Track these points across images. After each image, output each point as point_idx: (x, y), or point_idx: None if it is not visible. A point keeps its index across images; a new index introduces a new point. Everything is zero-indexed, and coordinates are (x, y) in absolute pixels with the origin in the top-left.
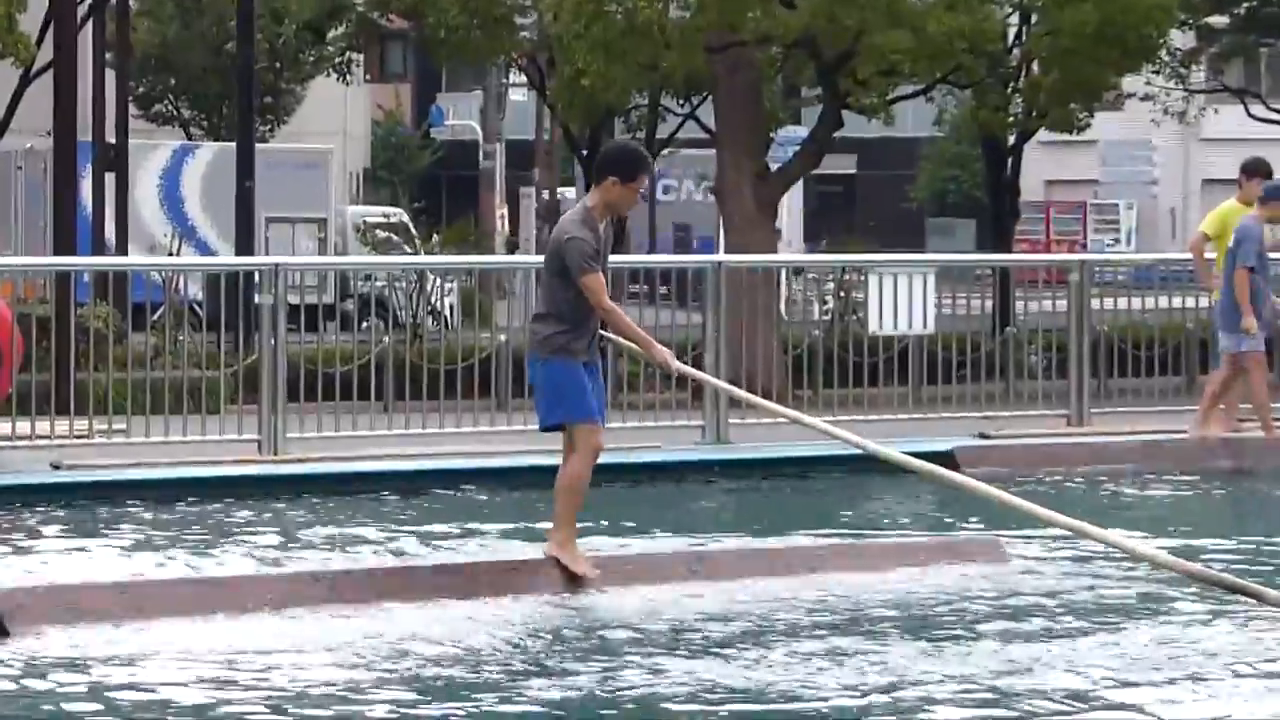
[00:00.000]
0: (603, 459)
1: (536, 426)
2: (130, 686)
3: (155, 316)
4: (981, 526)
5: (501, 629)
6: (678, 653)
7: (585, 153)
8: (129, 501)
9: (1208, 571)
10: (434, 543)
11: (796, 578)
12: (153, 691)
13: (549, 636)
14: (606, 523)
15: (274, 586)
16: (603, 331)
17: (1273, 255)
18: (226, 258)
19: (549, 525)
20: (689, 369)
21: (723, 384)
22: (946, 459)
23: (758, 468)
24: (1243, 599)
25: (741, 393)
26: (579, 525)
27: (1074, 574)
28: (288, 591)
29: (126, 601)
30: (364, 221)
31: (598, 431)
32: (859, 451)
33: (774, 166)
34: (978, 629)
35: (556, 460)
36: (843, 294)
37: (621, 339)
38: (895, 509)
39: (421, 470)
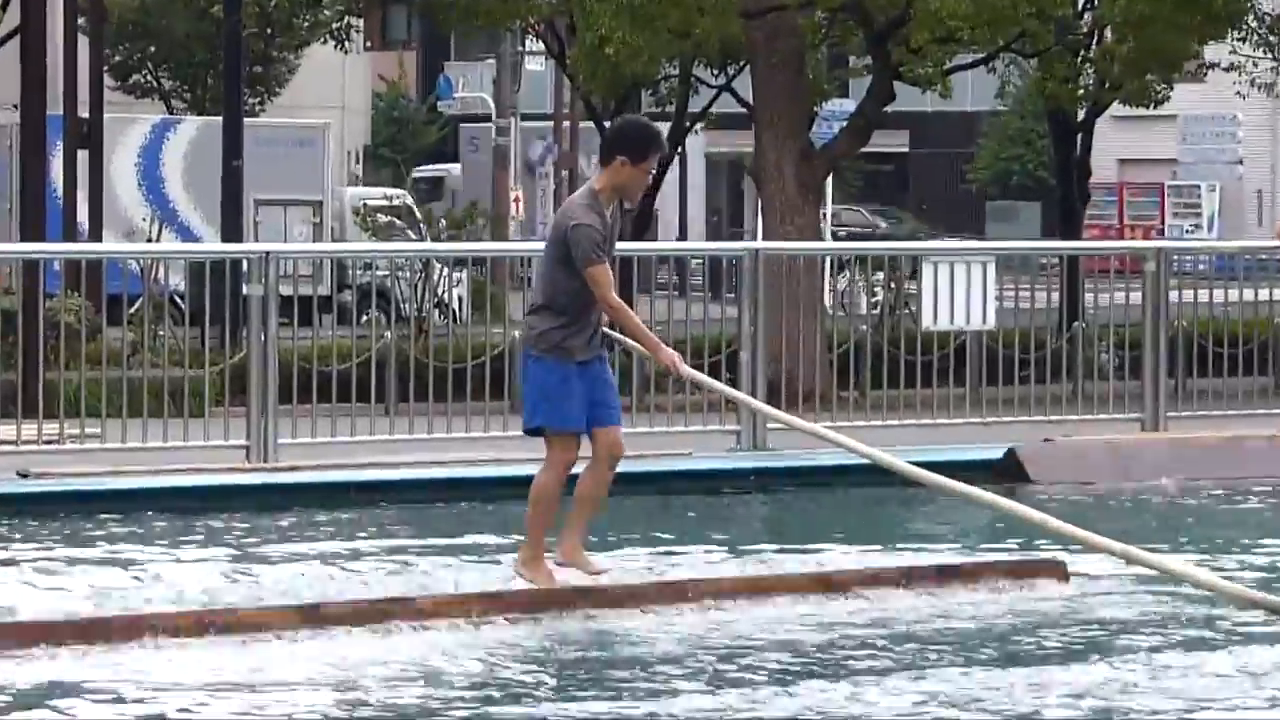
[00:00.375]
0: (631, 467)
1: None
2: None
3: (133, 309)
4: (1041, 542)
5: (473, 656)
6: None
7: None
8: (103, 514)
9: (1252, 594)
10: (430, 558)
11: (779, 607)
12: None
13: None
14: (638, 536)
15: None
16: (607, 330)
17: None
18: (212, 244)
19: (556, 538)
20: (698, 374)
21: (735, 393)
22: (1006, 460)
23: (798, 476)
24: None
25: (755, 403)
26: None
27: (1137, 594)
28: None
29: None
30: (364, 204)
31: (572, 446)
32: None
33: (818, 144)
34: (1039, 655)
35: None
36: (893, 285)
37: (627, 338)
38: (949, 520)
39: (426, 479)
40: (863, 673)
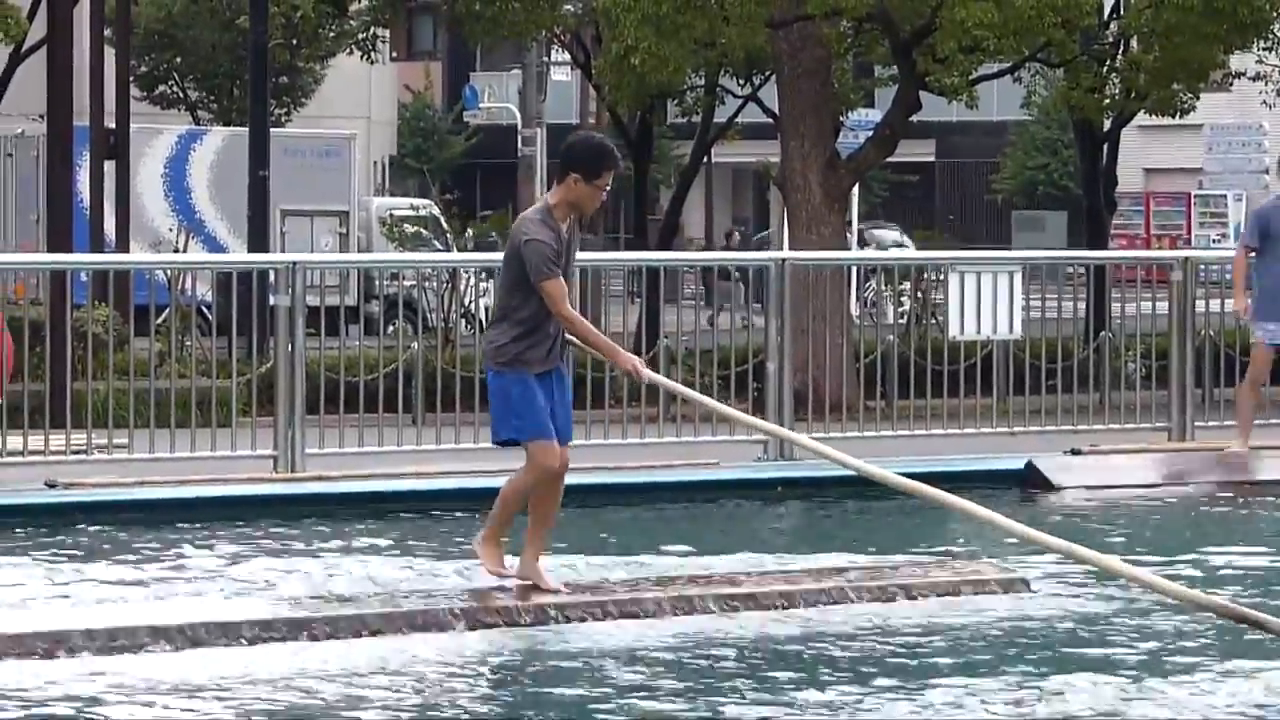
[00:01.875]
0: (658, 477)
1: (575, 441)
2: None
3: (160, 320)
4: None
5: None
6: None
7: (635, 138)
8: (131, 524)
9: (1215, 601)
10: (444, 566)
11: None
12: None
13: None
14: (663, 546)
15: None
16: (569, 338)
17: None
18: (238, 255)
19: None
20: (660, 377)
21: (701, 397)
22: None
23: (826, 486)
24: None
25: (725, 408)
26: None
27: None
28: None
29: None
30: (390, 214)
31: (551, 451)
32: (927, 468)
33: (844, 154)
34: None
35: (606, 478)
36: (920, 295)
37: (586, 347)
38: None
39: (453, 490)
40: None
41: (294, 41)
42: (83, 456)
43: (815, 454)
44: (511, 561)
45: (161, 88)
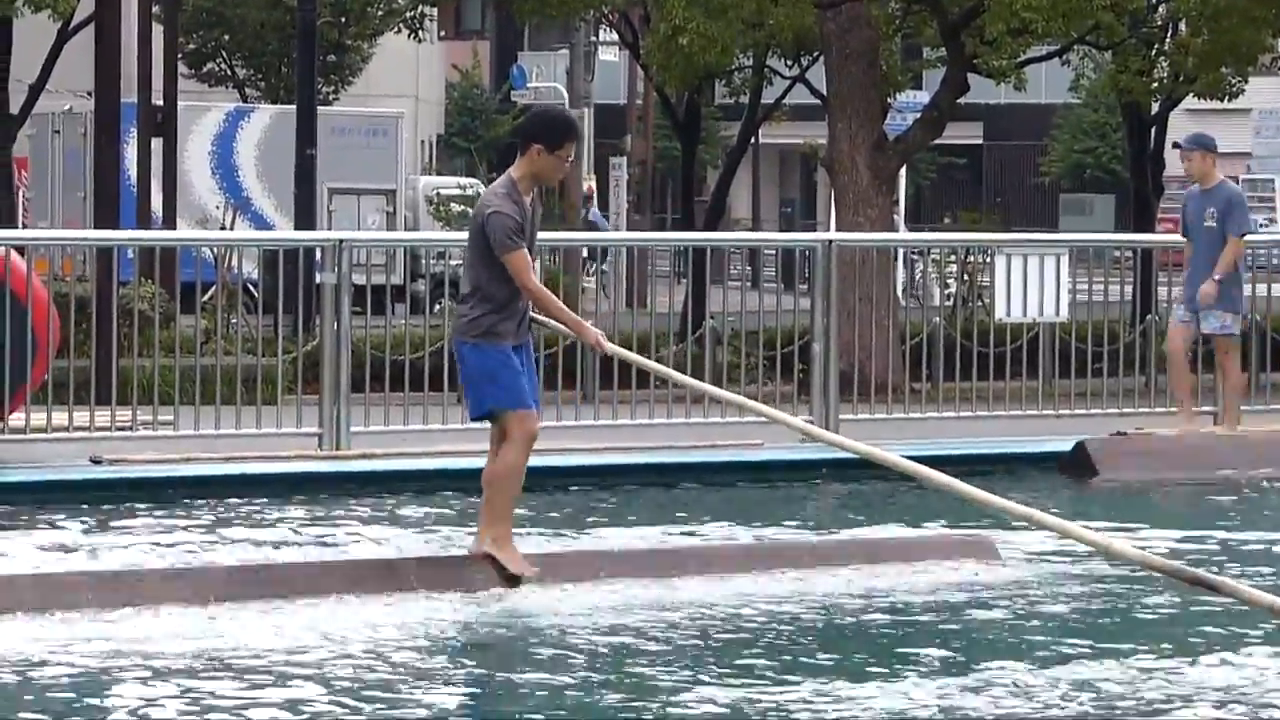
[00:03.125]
0: (700, 458)
1: (625, 421)
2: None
3: (206, 297)
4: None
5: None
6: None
7: (683, 119)
8: (176, 500)
9: (1168, 563)
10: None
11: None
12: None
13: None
14: (710, 526)
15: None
16: (533, 315)
17: None
18: (285, 232)
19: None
20: (622, 350)
21: (664, 369)
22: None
23: (870, 467)
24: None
25: (700, 384)
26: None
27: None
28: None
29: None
30: (437, 193)
31: (532, 419)
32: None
33: (891, 135)
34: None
35: (650, 458)
36: (966, 277)
37: (550, 320)
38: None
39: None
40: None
41: (342, 20)
42: (128, 433)
43: (802, 434)
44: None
45: (209, 65)
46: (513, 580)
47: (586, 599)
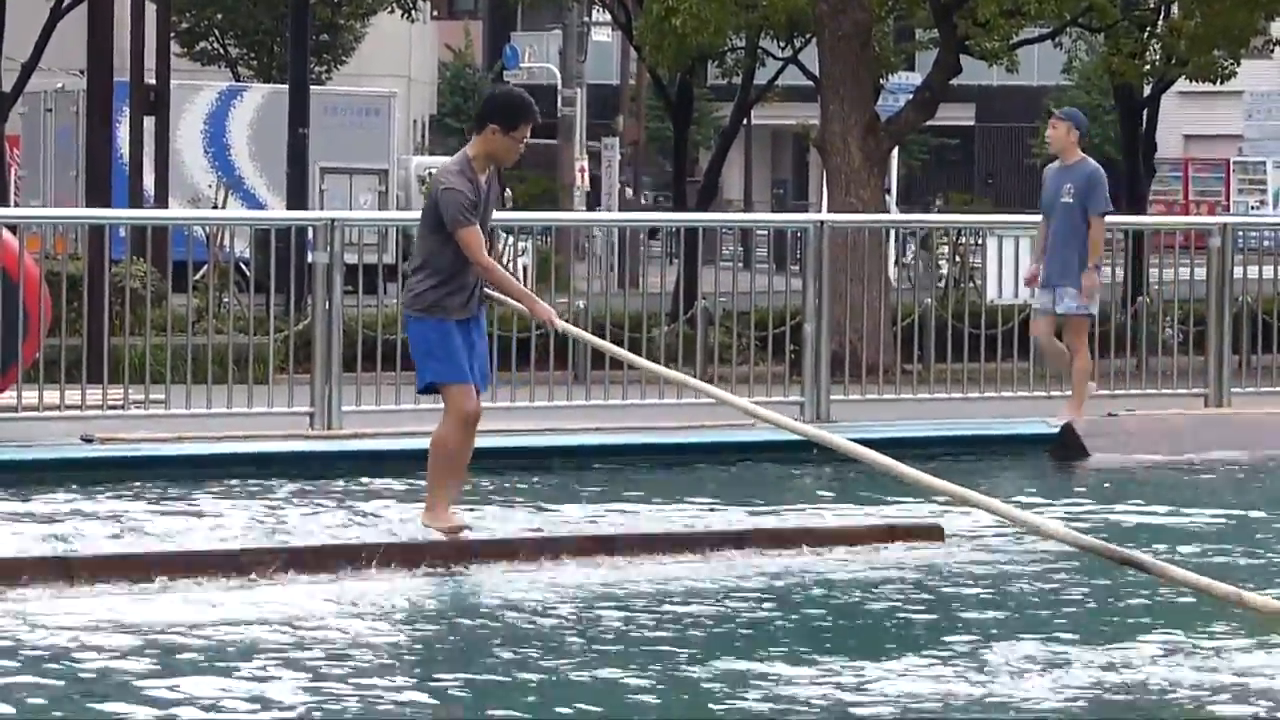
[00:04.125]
0: (694, 438)
1: (616, 401)
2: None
3: (198, 276)
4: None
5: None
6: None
7: (675, 100)
8: (166, 479)
9: (1096, 543)
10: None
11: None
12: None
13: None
14: (703, 505)
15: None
16: (488, 292)
17: None
18: (277, 212)
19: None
20: (574, 328)
21: (613, 347)
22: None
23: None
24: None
25: (643, 361)
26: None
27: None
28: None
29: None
30: (429, 173)
31: (468, 394)
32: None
33: (884, 117)
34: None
35: (646, 438)
36: (958, 259)
37: (503, 296)
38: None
39: (488, 448)
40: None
41: None
42: (120, 412)
43: (747, 414)
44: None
45: (202, 44)
46: (456, 535)
47: (534, 579)
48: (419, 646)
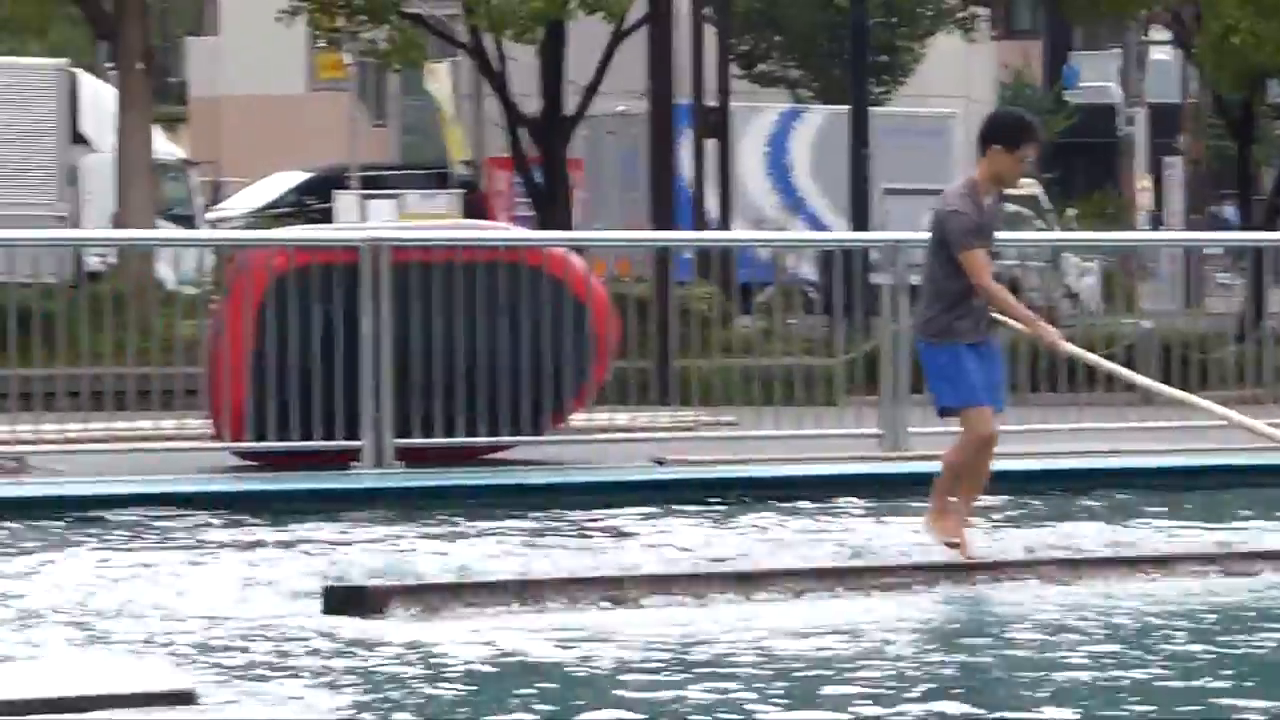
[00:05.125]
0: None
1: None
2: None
3: (763, 297)
4: None
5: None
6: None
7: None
8: (733, 500)
9: None
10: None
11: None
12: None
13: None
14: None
15: None
16: (994, 315)
17: None
18: (840, 233)
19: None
20: (1080, 351)
21: (1119, 369)
22: None
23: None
24: None
25: (1158, 385)
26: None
27: None
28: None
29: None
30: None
31: (984, 417)
32: None
33: None
34: None
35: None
36: None
37: (1009, 320)
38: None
39: (1039, 471)
40: None
41: (893, 20)
42: (689, 433)
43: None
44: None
45: (761, 66)
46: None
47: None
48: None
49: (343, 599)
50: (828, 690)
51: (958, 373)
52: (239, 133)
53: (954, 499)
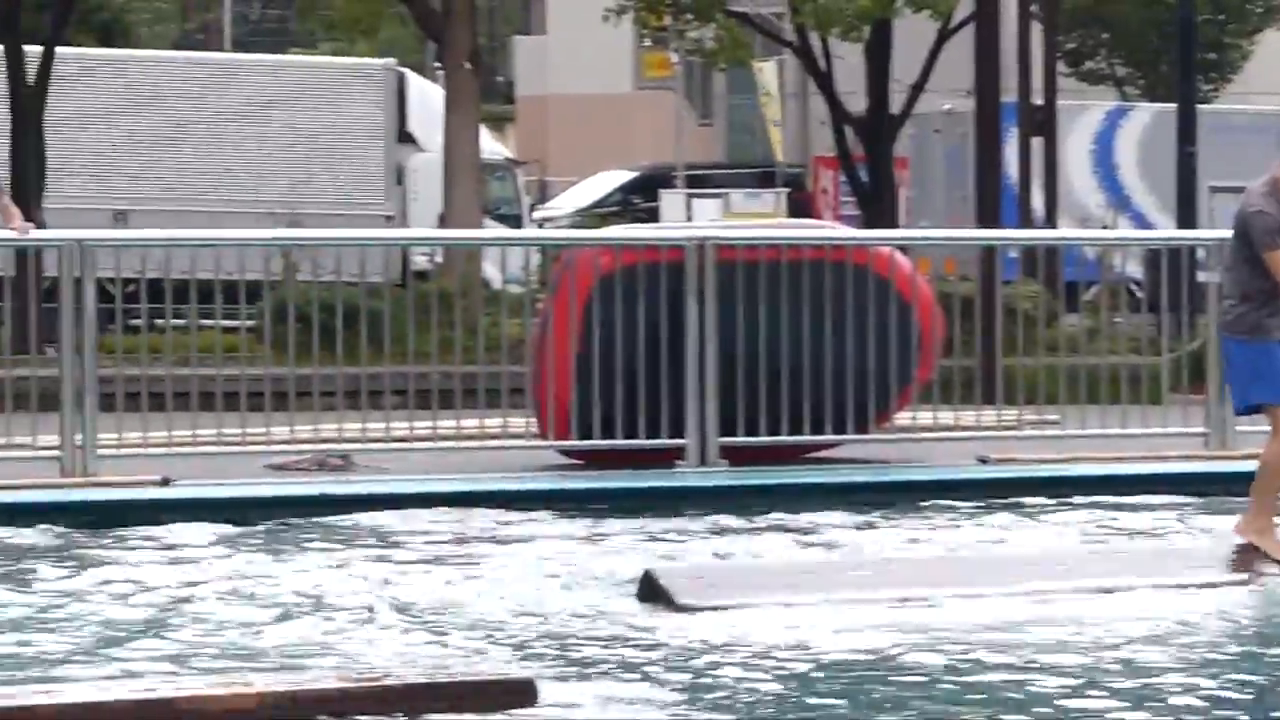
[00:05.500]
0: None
1: None
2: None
3: (1089, 296)
4: None
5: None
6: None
7: None
8: (1059, 498)
9: None
10: None
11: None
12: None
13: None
14: None
15: None
16: None
17: None
18: (1166, 232)
19: None
20: None
21: None
22: None
23: None
24: None
25: None
26: None
27: None
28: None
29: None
30: None
31: None
32: None
33: None
34: None
35: None
36: None
37: None
38: None
39: None
40: None
41: (1221, 17)
42: (1014, 432)
43: None
44: None
45: (1089, 64)
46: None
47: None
48: None
49: (659, 593)
50: None
51: (1271, 371)
52: (565, 132)
53: (1264, 503)
